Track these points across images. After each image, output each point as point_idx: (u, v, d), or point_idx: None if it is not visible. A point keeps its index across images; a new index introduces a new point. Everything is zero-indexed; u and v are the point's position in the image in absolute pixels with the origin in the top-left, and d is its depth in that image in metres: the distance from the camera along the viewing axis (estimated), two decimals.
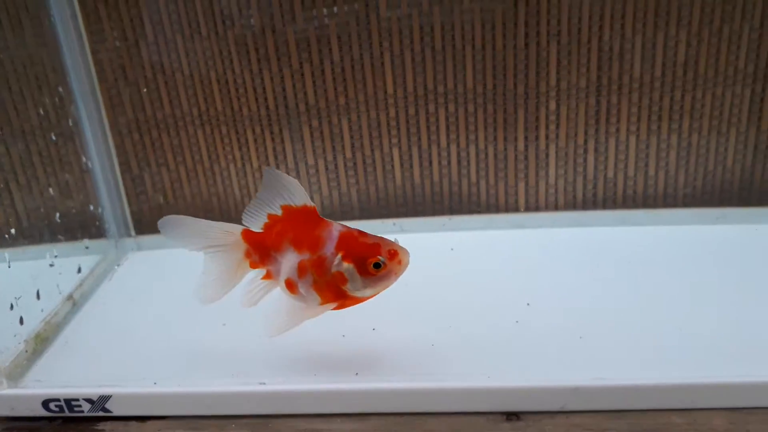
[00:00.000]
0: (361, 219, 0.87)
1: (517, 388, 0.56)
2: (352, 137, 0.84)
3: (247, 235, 0.57)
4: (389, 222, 0.85)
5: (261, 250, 0.57)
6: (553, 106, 0.80)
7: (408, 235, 0.84)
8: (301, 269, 0.54)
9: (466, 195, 0.87)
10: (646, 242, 0.78)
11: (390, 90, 0.81)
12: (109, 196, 0.84)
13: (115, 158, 0.84)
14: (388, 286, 0.54)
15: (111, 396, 0.58)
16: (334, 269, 0.53)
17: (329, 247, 0.53)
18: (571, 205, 0.85)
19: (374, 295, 0.55)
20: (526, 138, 0.82)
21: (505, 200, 0.86)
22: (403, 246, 0.54)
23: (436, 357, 0.61)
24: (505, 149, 0.83)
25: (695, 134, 0.81)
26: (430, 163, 0.85)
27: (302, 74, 0.80)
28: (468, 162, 0.85)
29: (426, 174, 0.86)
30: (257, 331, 0.56)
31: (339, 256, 0.53)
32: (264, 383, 0.58)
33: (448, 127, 0.83)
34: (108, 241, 0.84)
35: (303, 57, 0.79)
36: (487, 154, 0.84)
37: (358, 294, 0.54)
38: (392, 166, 0.86)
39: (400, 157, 0.85)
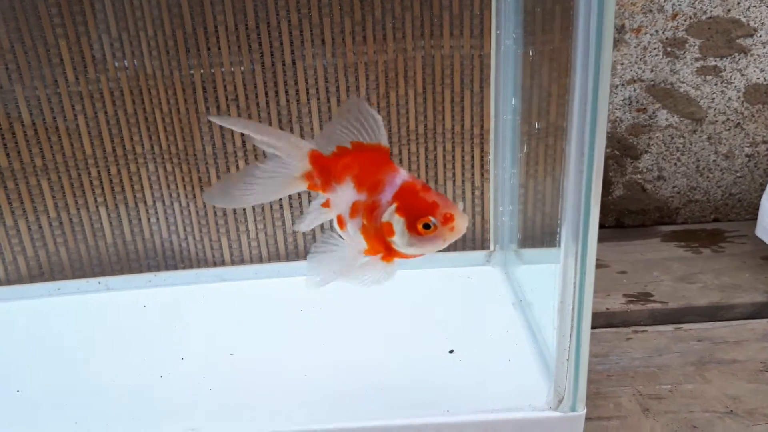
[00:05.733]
0: (73, 278, 0.88)
1: None
2: (54, 197, 0.85)
3: (315, 156, 0.54)
4: (94, 281, 0.86)
5: (325, 176, 0.53)
6: (242, 165, 0.84)
7: (113, 293, 0.86)
8: (354, 209, 0.51)
9: (178, 250, 0.89)
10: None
11: (89, 151, 0.84)
12: None
13: None
14: (434, 250, 0.50)
15: None
16: (384, 219, 0.49)
17: (387, 194, 0.50)
18: (275, 257, 0.89)
19: (420, 255, 0.51)
20: None
21: (212, 254, 0.89)
22: (463, 212, 0.49)
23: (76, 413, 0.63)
24: (204, 206, 0.86)
25: None
26: (140, 220, 0.88)
27: None
28: (175, 218, 0.88)
29: (137, 231, 0.88)
30: None
31: (393, 206, 0.49)
32: None
33: (151, 186, 0.86)
34: None
35: None
36: (189, 211, 0.87)
37: (403, 250, 0.50)
38: (101, 224, 0.87)
39: (108, 215, 0.87)
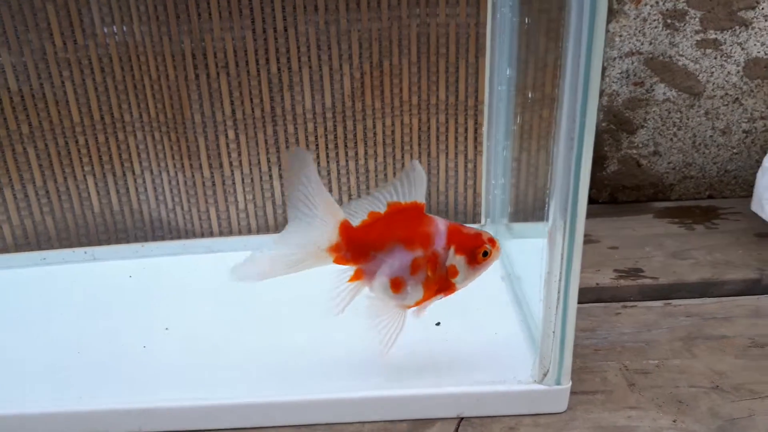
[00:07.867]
0: (59, 248, 0.87)
1: (93, 411, 0.58)
2: (41, 165, 0.84)
3: (346, 228, 0.54)
4: (80, 250, 0.85)
5: (358, 248, 0.54)
6: (231, 135, 0.83)
7: (100, 263, 0.85)
8: (415, 266, 0.54)
9: (166, 220, 0.89)
10: None
11: (76, 119, 0.82)
12: None
13: None
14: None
15: None
16: (448, 263, 0.54)
17: (440, 242, 0.54)
18: (264, 228, 0.88)
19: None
20: (210, 165, 0.84)
21: (200, 225, 0.88)
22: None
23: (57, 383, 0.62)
24: (193, 176, 0.85)
25: (371, 160, 0.86)
26: (127, 190, 0.87)
27: None
28: (163, 188, 0.87)
29: (125, 201, 0.87)
30: None
31: (452, 249, 0.54)
32: None
33: (139, 155, 0.85)
34: None
35: None
36: (178, 181, 0.86)
37: (462, 285, 0.56)
38: (88, 194, 0.86)
39: (96, 184, 0.86)
